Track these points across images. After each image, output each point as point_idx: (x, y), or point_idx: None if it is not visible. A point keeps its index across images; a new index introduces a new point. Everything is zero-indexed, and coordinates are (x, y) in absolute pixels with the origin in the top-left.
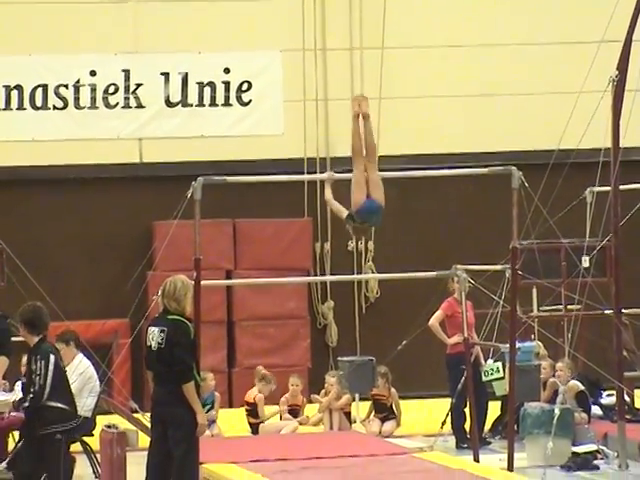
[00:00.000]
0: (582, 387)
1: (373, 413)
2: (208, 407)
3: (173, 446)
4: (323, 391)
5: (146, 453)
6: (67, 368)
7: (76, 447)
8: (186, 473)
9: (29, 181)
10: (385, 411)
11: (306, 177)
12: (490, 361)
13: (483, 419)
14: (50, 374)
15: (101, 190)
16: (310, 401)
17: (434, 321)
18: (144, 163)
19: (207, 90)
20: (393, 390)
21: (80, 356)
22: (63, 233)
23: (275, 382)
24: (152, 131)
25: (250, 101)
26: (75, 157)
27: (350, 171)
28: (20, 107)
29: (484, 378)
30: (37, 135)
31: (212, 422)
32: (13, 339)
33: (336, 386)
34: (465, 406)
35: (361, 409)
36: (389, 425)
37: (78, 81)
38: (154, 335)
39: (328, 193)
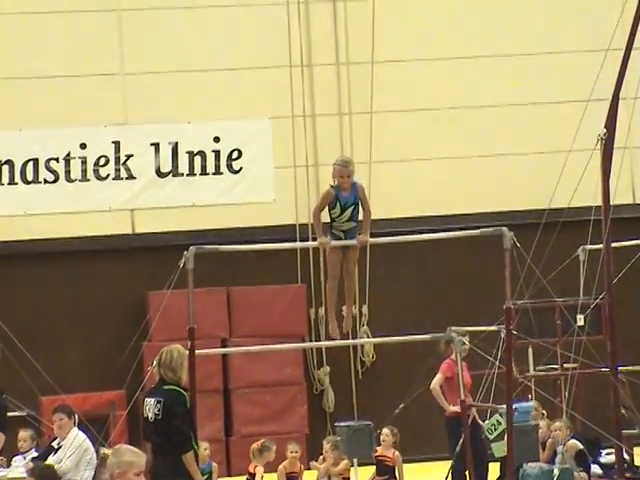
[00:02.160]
0: (581, 446)
1: (375, 475)
2: (206, 477)
3: None
4: (321, 457)
5: None
6: (63, 442)
7: None
8: None
9: (22, 255)
10: (387, 473)
11: (298, 245)
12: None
13: None
14: None
15: (94, 262)
16: (308, 468)
17: (435, 385)
18: (136, 234)
19: (197, 159)
20: (397, 453)
21: (75, 429)
22: (57, 306)
23: (274, 445)
24: (144, 202)
25: (241, 169)
26: (68, 230)
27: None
28: (11, 182)
29: (489, 436)
30: (29, 209)
31: None
32: (9, 414)
33: (331, 452)
34: (466, 468)
35: (360, 474)
36: None
37: (68, 154)
38: (150, 406)
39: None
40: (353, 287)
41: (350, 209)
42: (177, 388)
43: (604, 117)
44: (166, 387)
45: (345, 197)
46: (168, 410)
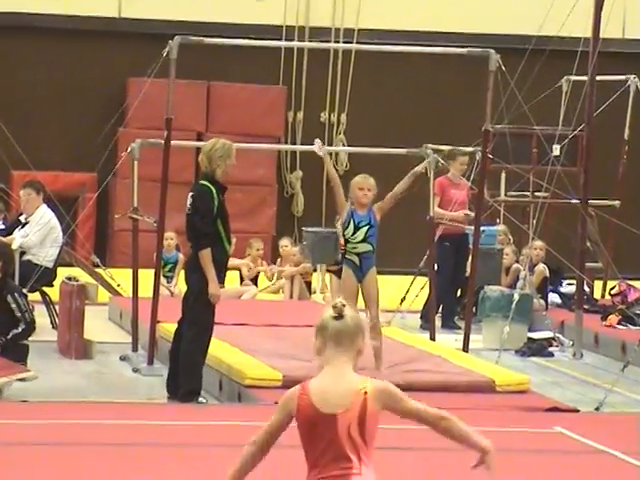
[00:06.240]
0: (548, 273)
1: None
2: (170, 266)
3: (186, 309)
4: (279, 259)
5: (105, 307)
6: (30, 218)
7: (35, 297)
8: (189, 337)
9: (4, 27)
10: None
11: (283, 44)
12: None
13: (453, 302)
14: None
15: (77, 42)
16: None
17: (436, 208)
18: (122, 18)
19: None
20: None
21: (44, 207)
22: (36, 82)
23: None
24: None
25: None
26: (53, 6)
27: (327, 41)
28: None
29: None
30: None
31: (173, 283)
32: None
33: (299, 254)
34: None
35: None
36: None
37: None
38: (188, 200)
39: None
40: (375, 316)
41: (364, 229)
42: (206, 183)
43: None
44: (199, 182)
45: (360, 216)
46: (193, 205)
